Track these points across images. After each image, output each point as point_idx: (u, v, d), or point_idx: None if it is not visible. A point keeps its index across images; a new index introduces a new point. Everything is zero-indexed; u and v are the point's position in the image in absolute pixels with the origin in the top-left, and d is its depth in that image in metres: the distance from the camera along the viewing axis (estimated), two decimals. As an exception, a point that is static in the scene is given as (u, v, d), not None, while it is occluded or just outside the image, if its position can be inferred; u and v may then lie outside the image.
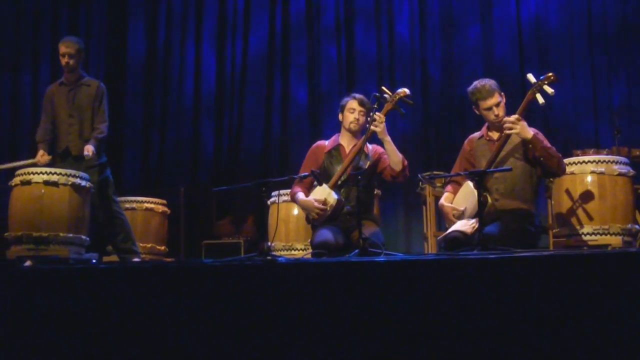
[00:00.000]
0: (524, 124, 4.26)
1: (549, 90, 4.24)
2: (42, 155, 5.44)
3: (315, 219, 4.58)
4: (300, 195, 4.72)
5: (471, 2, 8.48)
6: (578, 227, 4.89)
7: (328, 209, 4.50)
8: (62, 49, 5.52)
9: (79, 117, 5.52)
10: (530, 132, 4.26)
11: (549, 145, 4.33)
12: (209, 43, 9.07)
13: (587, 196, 4.91)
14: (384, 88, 4.60)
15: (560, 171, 4.40)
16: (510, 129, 4.25)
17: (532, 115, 7.42)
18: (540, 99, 4.26)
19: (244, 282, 3.40)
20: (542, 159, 4.28)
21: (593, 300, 2.88)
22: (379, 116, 4.46)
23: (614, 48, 7.95)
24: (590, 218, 4.88)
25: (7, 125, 8.56)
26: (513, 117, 4.26)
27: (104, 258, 6.08)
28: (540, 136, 4.37)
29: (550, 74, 4.28)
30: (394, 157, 4.58)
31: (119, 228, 5.57)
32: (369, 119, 4.57)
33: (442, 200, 4.56)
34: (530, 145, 4.28)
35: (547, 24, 8.22)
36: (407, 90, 4.56)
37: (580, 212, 4.90)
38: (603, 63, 7.97)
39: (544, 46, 8.18)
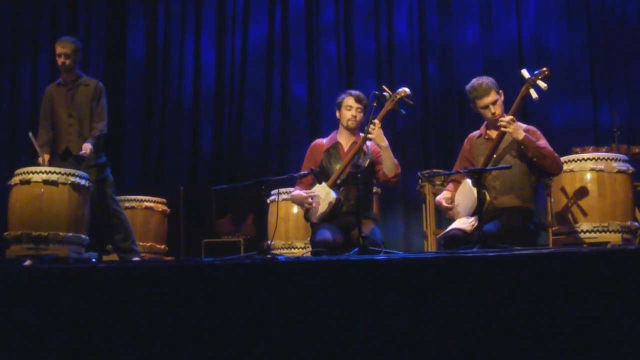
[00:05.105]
0: (517, 125, 4.26)
1: (543, 85, 4.23)
2: (46, 160, 5.42)
3: (310, 207, 4.57)
4: (293, 193, 4.73)
5: (470, 1, 8.48)
6: (577, 225, 4.90)
7: (325, 206, 4.50)
8: (58, 49, 5.52)
9: (78, 116, 5.53)
10: (522, 133, 4.25)
11: (542, 144, 4.31)
12: (208, 40, 9.06)
13: (586, 193, 4.91)
14: (384, 87, 4.57)
15: (555, 170, 4.39)
16: (505, 127, 4.25)
17: (530, 113, 7.47)
18: (534, 94, 4.27)
19: (244, 281, 3.40)
20: (535, 159, 4.28)
21: (593, 298, 2.88)
22: (374, 123, 4.43)
23: (613, 51, 7.98)
24: (590, 215, 4.88)
25: (6, 120, 8.55)
26: (507, 118, 4.26)
27: (103, 257, 6.08)
28: (537, 134, 4.37)
29: (545, 68, 4.28)
30: (388, 163, 4.55)
31: (119, 227, 5.57)
32: (369, 118, 4.54)
33: (438, 197, 4.57)
34: (523, 146, 4.28)
35: (545, 23, 8.23)
36: (407, 90, 4.51)
37: (579, 209, 4.91)
38: (602, 62, 7.99)
39: (543, 43, 8.19)
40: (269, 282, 3.35)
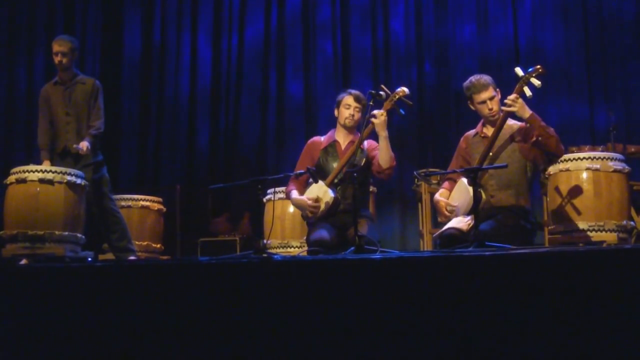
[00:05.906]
0: (523, 102, 4.22)
1: (536, 82, 4.21)
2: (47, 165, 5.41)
3: (310, 216, 4.57)
4: (294, 194, 4.70)
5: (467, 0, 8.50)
6: (573, 224, 4.90)
7: (322, 206, 4.50)
8: (55, 47, 5.51)
9: (76, 115, 5.51)
10: (528, 111, 4.20)
11: (546, 125, 4.30)
12: (205, 38, 9.06)
13: (582, 193, 4.91)
14: (383, 86, 4.55)
15: (559, 151, 4.34)
16: (510, 106, 4.22)
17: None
18: (527, 92, 4.25)
19: (240, 280, 3.40)
20: (540, 138, 4.22)
21: (588, 297, 2.88)
22: (381, 113, 4.42)
23: (609, 51, 7.99)
24: (586, 215, 4.88)
25: (2, 120, 8.54)
26: (513, 96, 4.22)
27: (99, 256, 6.08)
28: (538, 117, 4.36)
29: (539, 66, 4.25)
30: (384, 154, 4.53)
31: (115, 226, 5.56)
32: (366, 116, 4.53)
33: (437, 196, 4.56)
34: (529, 125, 4.24)
35: (542, 22, 8.24)
36: (406, 90, 4.49)
37: (575, 208, 4.91)
38: (598, 61, 8.01)
39: (539, 42, 8.21)
40: (265, 282, 3.35)
